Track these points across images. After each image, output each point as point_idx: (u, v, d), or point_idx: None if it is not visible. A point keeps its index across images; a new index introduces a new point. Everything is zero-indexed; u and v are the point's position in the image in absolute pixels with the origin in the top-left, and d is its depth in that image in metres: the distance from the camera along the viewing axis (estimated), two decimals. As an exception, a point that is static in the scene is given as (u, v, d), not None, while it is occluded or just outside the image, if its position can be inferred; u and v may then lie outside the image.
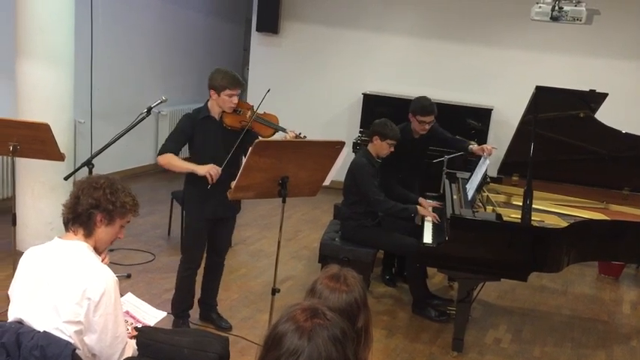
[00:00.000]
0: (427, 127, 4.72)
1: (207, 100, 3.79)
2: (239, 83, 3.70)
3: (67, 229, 2.32)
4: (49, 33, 4.66)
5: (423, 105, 4.70)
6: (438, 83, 7.39)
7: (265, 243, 5.78)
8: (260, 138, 3.64)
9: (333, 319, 1.36)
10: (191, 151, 3.83)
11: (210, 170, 3.60)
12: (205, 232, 3.92)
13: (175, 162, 3.70)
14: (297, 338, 1.31)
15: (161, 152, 3.73)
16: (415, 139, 4.82)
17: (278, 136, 3.77)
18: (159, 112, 7.76)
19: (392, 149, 4.51)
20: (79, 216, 2.27)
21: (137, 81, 7.50)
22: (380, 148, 4.51)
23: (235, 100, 3.70)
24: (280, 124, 3.88)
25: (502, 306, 4.92)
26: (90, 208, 2.26)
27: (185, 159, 3.82)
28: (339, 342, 1.32)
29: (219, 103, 3.71)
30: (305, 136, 3.74)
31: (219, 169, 3.62)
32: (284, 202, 3.33)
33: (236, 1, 9.23)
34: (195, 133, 3.73)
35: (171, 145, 3.72)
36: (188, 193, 3.93)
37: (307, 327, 1.33)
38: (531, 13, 3.71)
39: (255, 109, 3.79)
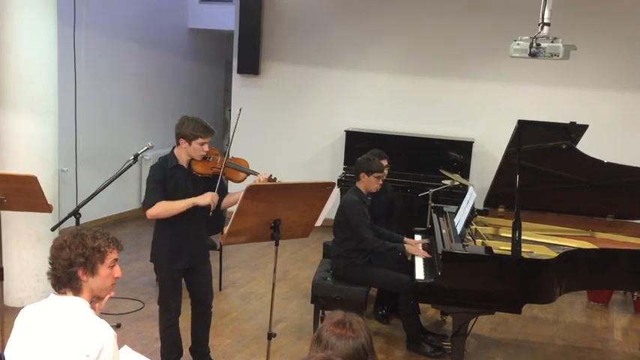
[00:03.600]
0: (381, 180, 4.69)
1: (173, 148, 3.73)
2: (211, 131, 3.66)
3: (57, 292, 2.27)
4: (31, 83, 4.66)
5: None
6: (418, 117, 7.51)
7: (255, 285, 5.73)
8: (230, 184, 3.62)
9: (349, 370, 1.36)
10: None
11: (213, 198, 3.61)
12: (179, 282, 3.84)
13: (172, 205, 3.62)
14: (315, 392, 1.30)
15: (149, 205, 3.61)
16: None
17: (250, 179, 3.74)
18: (142, 157, 7.72)
19: (381, 182, 4.58)
20: (59, 280, 2.24)
21: (121, 127, 7.50)
22: (368, 183, 4.56)
23: (206, 148, 3.67)
24: (252, 168, 3.83)
25: (496, 338, 4.92)
26: (66, 269, 2.21)
27: None
28: (356, 393, 1.31)
29: (190, 152, 3.66)
30: (276, 179, 3.69)
31: (217, 196, 3.63)
32: (277, 244, 3.32)
33: (216, 44, 9.34)
34: (167, 182, 3.66)
35: (156, 195, 3.62)
36: (158, 246, 3.81)
37: (324, 380, 1.32)
38: (510, 50, 3.82)
39: (225, 153, 3.76)
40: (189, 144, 3.64)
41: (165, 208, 3.62)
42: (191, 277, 3.86)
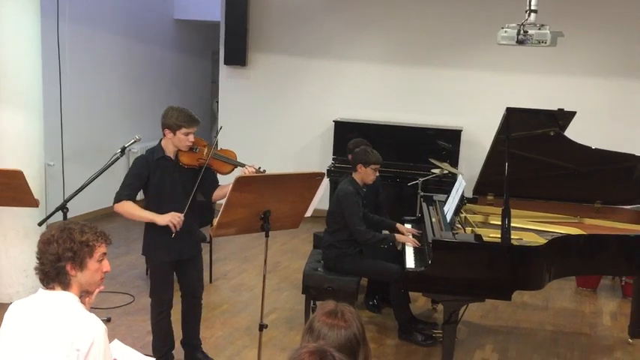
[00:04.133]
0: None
1: (161, 140, 3.69)
2: (195, 121, 3.61)
3: (45, 287, 2.25)
4: (15, 77, 4.61)
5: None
6: (406, 107, 7.51)
7: (246, 276, 5.73)
8: (219, 176, 3.59)
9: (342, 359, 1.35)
10: (147, 193, 3.70)
11: (172, 220, 3.51)
12: (171, 274, 3.83)
13: (134, 211, 3.57)
14: (308, 382, 1.30)
15: (117, 200, 3.58)
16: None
17: (237, 171, 3.69)
18: (129, 150, 7.67)
19: (377, 174, 4.59)
20: (48, 275, 2.21)
21: (107, 120, 7.44)
22: (365, 174, 4.56)
23: (192, 138, 3.62)
24: (239, 159, 3.79)
25: (486, 325, 4.95)
26: (54, 264, 2.19)
27: (142, 201, 3.70)
28: (349, 383, 1.31)
29: (175, 143, 3.62)
30: (264, 170, 3.65)
31: (182, 217, 3.53)
32: (267, 236, 3.31)
33: (202, 35, 9.27)
34: (151, 174, 3.62)
35: (126, 192, 3.58)
36: (149, 238, 3.78)
37: (317, 370, 1.32)
38: (497, 37, 3.81)
39: (212, 144, 3.71)
40: (174, 134, 3.59)
41: (128, 210, 3.58)
42: (182, 269, 3.84)
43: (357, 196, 4.52)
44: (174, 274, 3.87)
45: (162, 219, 3.53)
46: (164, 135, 3.65)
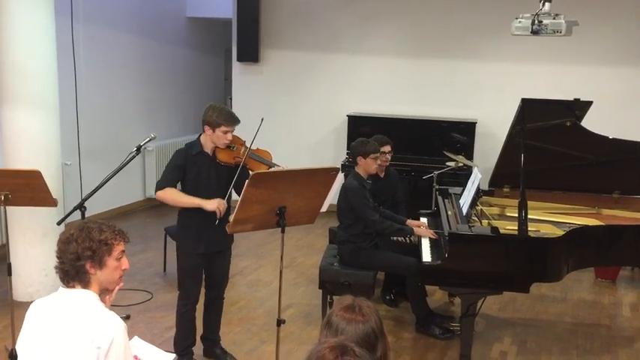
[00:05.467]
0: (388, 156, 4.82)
1: (200, 135, 3.78)
2: (235, 120, 3.71)
3: (65, 285, 2.28)
4: (31, 78, 4.64)
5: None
6: (420, 100, 7.48)
7: (262, 272, 5.75)
8: None
9: (363, 354, 1.35)
10: (184, 187, 3.80)
11: (219, 205, 3.61)
12: (201, 267, 3.89)
13: (179, 197, 3.70)
14: (329, 377, 1.30)
15: (160, 187, 3.70)
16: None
17: None
18: (145, 149, 7.73)
19: (379, 162, 4.58)
20: (67, 273, 2.24)
21: (122, 118, 7.49)
22: (366, 165, 4.55)
23: (230, 136, 3.70)
24: (273, 160, 3.87)
25: (504, 318, 4.93)
26: (74, 263, 2.21)
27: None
28: (370, 377, 1.31)
29: (213, 139, 3.71)
30: None
31: (226, 204, 3.63)
32: (283, 232, 3.32)
33: (215, 33, 9.28)
34: (188, 168, 3.72)
35: (168, 179, 3.70)
36: (182, 229, 3.89)
37: (338, 365, 1.32)
38: (512, 28, 3.77)
39: (249, 144, 3.77)
40: (213, 131, 3.67)
41: (171, 196, 3.69)
42: (211, 261, 3.89)
43: (362, 189, 4.50)
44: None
45: (210, 204, 3.62)
46: (204, 131, 3.73)
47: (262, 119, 3.74)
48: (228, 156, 3.75)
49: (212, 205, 3.62)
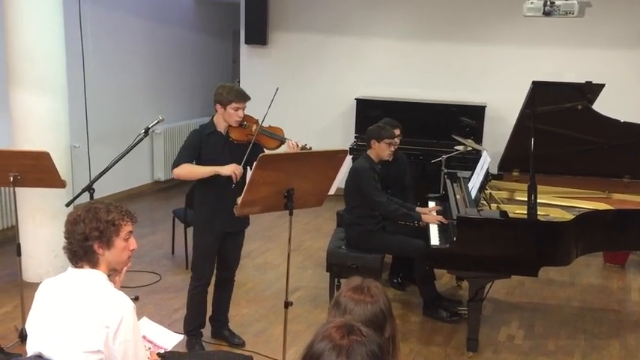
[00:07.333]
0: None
1: (213, 116, 3.81)
2: (245, 97, 3.74)
3: (74, 266, 2.29)
4: (40, 61, 4.64)
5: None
6: (429, 83, 7.42)
7: (270, 255, 5.76)
8: (266, 151, 3.64)
9: (369, 334, 1.35)
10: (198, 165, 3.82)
11: (235, 170, 3.63)
12: (215, 248, 3.91)
13: (194, 169, 3.75)
14: (335, 356, 1.29)
15: (176, 164, 3.74)
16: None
17: (284, 147, 3.77)
18: (153, 131, 7.72)
19: (392, 148, 4.55)
20: (76, 254, 2.25)
21: (130, 101, 7.48)
22: (380, 150, 4.53)
23: (241, 113, 3.72)
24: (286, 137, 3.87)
25: (512, 302, 4.92)
26: (82, 243, 2.23)
27: None
28: (377, 357, 1.31)
29: (225, 117, 3.73)
30: (310, 147, 3.73)
31: (241, 169, 3.65)
32: (291, 214, 3.31)
33: (223, 16, 9.23)
34: (203, 148, 3.76)
35: (184, 155, 3.75)
36: (198, 209, 3.92)
37: (344, 344, 1.31)
38: (523, 9, 3.73)
39: (260, 121, 3.78)
40: (225, 109, 3.70)
41: (188, 170, 3.74)
42: (225, 242, 3.92)
43: (372, 171, 4.49)
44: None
45: (225, 169, 3.65)
46: (216, 110, 3.76)
47: (277, 89, 3.74)
48: (241, 134, 3.77)
49: (228, 170, 3.65)
